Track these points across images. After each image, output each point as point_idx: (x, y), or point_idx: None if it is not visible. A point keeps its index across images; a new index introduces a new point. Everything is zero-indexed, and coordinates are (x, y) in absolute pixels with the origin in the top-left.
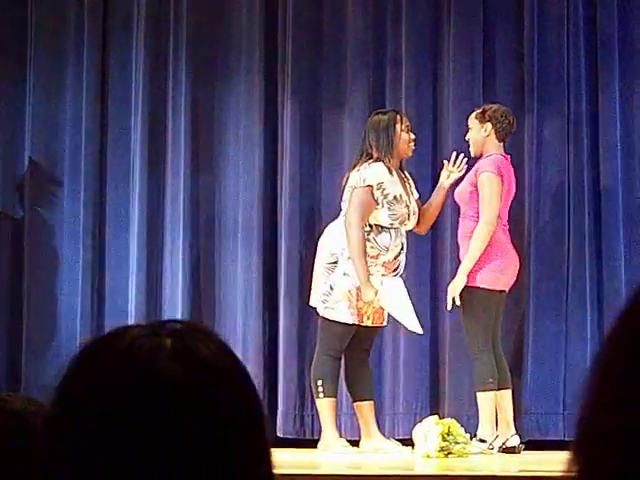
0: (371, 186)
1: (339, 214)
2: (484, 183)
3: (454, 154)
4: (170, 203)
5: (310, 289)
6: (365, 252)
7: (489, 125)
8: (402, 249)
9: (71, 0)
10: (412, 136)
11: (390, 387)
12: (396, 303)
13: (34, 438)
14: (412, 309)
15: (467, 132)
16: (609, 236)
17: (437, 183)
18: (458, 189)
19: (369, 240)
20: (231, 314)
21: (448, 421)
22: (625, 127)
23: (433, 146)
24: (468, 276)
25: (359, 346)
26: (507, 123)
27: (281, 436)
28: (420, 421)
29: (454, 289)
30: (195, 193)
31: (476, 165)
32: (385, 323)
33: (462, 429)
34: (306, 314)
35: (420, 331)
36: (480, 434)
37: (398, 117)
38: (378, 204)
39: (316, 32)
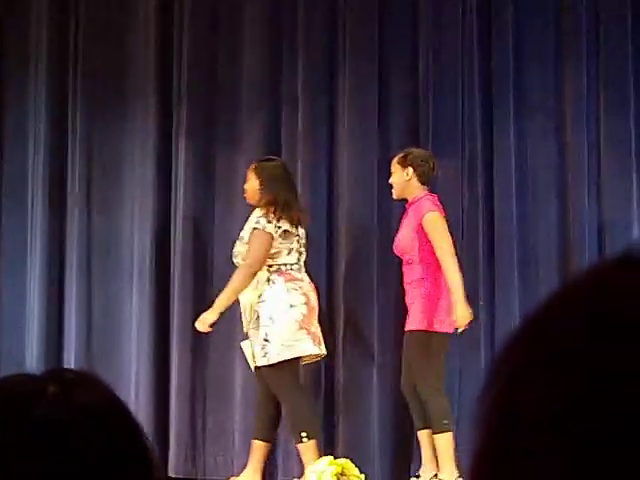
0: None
1: (232, 256)
2: (434, 222)
3: None
4: (68, 246)
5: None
6: None
7: (410, 169)
8: None
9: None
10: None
11: (283, 426)
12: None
13: None
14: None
15: (389, 176)
16: (503, 275)
17: (331, 221)
18: (400, 238)
19: None
20: (125, 355)
21: (342, 461)
22: (519, 168)
23: (329, 182)
24: (423, 320)
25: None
26: (428, 167)
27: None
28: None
29: (464, 317)
30: (91, 237)
31: (409, 212)
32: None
33: (357, 469)
34: (198, 357)
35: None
36: (441, 476)
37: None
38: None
39: (211, 70)
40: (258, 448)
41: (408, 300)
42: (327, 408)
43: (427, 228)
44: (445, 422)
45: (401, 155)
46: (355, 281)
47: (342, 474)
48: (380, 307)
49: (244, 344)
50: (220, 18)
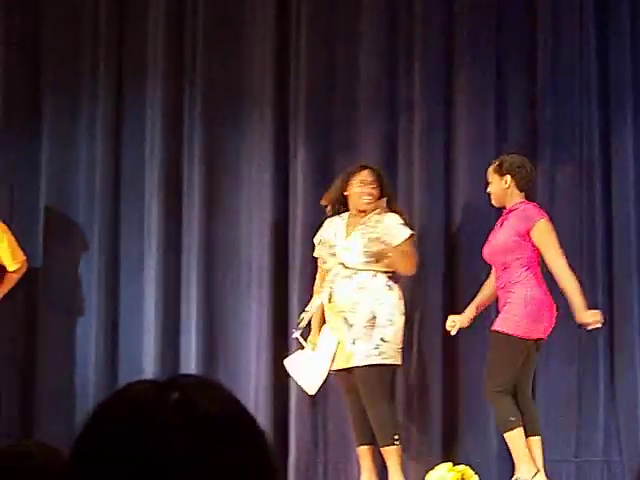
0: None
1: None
2: (547, 229)
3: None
4: (185, 250)
5: None
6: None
7: (508, 177)
8: (332, 287)
9: (85, 49)
10: (364, 190)
11: (403, 433)
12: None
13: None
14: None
15: (487, 185)
16: (622, 280)
17: (449, 226)
18: (497, 243)
19: None
20: (244, 363)
21: (461, 468)
22: (638, 172)
23: (446, 187)
24: (504, 322)
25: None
26: (525, 172)
27: None
28: (432, 468)
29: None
30: (208, 241)
31: (510, 218)
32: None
33: (476, 476)
34: None
35: (311, 392)
36: (518, 475)
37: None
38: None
39: (328, 77)
40: (368, 453)
41: (500, 304)
42: (447, 414)
43: (539, 235)
44: (512, 419)
45: (496, 163)
46: (473, 284)
47: None
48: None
49: (329, 340)
50: (337, 25)
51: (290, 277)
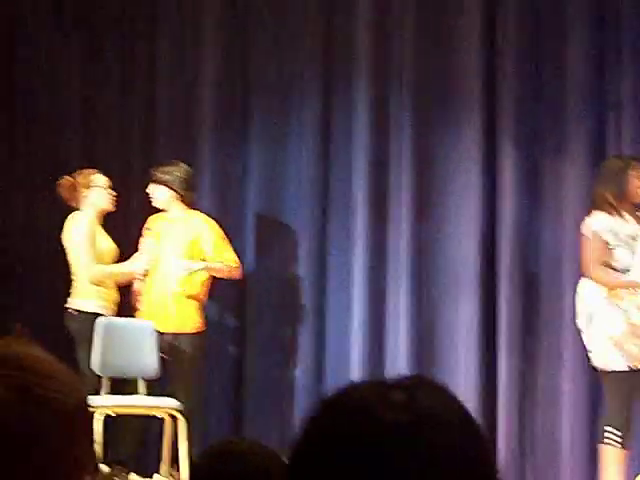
0: (596, 232)
1: (559, 263)
2: None
3: None
4: (393, 252)
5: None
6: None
7: None
8: None
9: (293, 53)
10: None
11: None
12: None
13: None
14: None
15: None
16: None
17: None
18: None
19: None
20: (452, 362)
21: None
22: None
23: None
24: None
25: None
26: None
27: None
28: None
29: None
30: (416, 242)
31: None
32: None
33: None
34: (526, 363)
35: None
36: None
37: (634, 163)
38: (610, 246)
39: (535, 81)
40: (623, 457)
41: None
42: None
43: None
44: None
45: None
46: None
47: None
48: None
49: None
50: (543, 25)
51: (497, 278)
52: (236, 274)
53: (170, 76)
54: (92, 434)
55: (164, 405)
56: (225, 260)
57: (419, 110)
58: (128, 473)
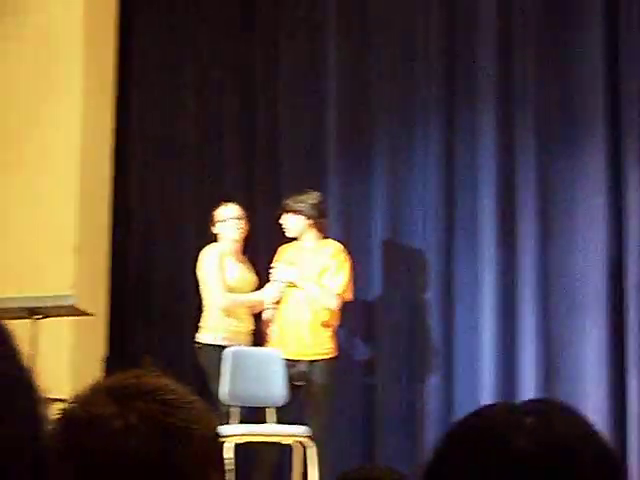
0: None
1: None
2: None
3: None
4: (520, 276)
5: None
6: None
7: None
8: None
9: (413, 78)
10: None
11: None
12: None
13: None
14: None
15: None
16: None
17: None
18: None
19: None
20: (582, 387)
21: None
22: None
23: None
24: None
25: None
26: None
27: None
28: None
29: None
30: (543, 265)
31: None
32: None
33: None
34: None
35: None
36: None
37: None
38: None
39: None
40: None
41: None
42: None
43: None
44: None
45: None
46: None
47: None
48: None
49: None
50: None
51: (625, 297)
52: (332, 302)
53: (294, 106)
54: (224, 464)
55: (294, 433)
56: (328, 285)
57: (543, 131)
58: None
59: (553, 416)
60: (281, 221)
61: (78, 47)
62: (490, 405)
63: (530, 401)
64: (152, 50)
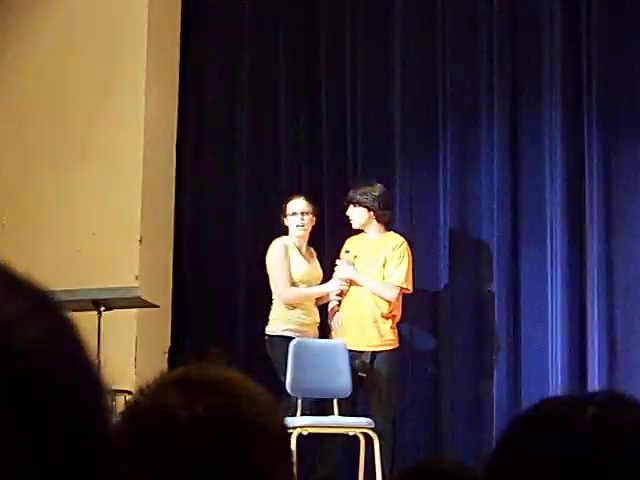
0: None
1: None
2: None
3: None
4: (590, 267)
5: None
6: None
7: None
8: None
9: (478, 70)
10: None
11: None
12: None
13: None
14: None
15: None
16: None
17: None
18: None
19: None
20: None
21: None
22: None
23: None
24: None
25: None
26: None
27: None
28: None
29: None
30: (611, 257)
31: None
32: None
33: None
34: None
35: None
36: None
37: None
38: None
39: None
40: None
41: None
42: None
43: None
44: None
45: None
46: None
47: None
48: None
49: None
50: None
51: None
52: (389, 293)
53: (362, 95)
54: (292, 455)
55: (358, 424)
56: (388, 278)
57: (609, 121)
58: None
59: (616, 407)
60: (347, 213)
61: (141, 41)
62: (555, 397)
63: (594, 393)
64: (212, 47)
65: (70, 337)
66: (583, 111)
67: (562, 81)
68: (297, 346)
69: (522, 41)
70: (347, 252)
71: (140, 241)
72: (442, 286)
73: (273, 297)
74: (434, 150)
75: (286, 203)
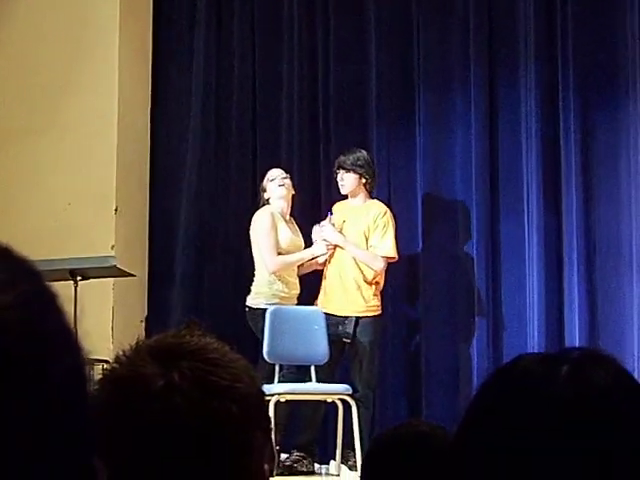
0: None
1: None
2: None
3: None
4: (567, 230)
5: None
6: None
7: None
8: None
9: (457, 29)
10: None
11: None
12: None
13: (437, 456)
14: None
15: None
16: None
17: None
18: None
19: None
20: (628, 347)
21: None
22: None
23: None
24: None
25: None
26: None
27: None
28: None
29: None
30: (588, 226)
31: None
32: None
33: None
34: None
35: None
36: None
37: None
38: None
39: None
40: None
41: None
42: None
43: None
44: None
45: None
46: None
47: None
48: None
49: None
50: None
51: None
52: (376, 264)
53: (336, 61)
54: (269, 422)
55: (336, 391)
56: (374, 248)
57: (584, 91)
58: (305, 459)
59: (590, 364)
60: (337, 179)
61: (115, 9)
62: (525, 354)
63: (567, 350)
64: (185, 12)
65: (50, 304)
66: (559, 76)
67: (537, 46)
68: (274, 314)
69: (497, 5)
70: (331, 213)
71: (116, 211)
72: (420, 251)
73: (256, 267)
74: (410, 116)
75: (262, 178)
